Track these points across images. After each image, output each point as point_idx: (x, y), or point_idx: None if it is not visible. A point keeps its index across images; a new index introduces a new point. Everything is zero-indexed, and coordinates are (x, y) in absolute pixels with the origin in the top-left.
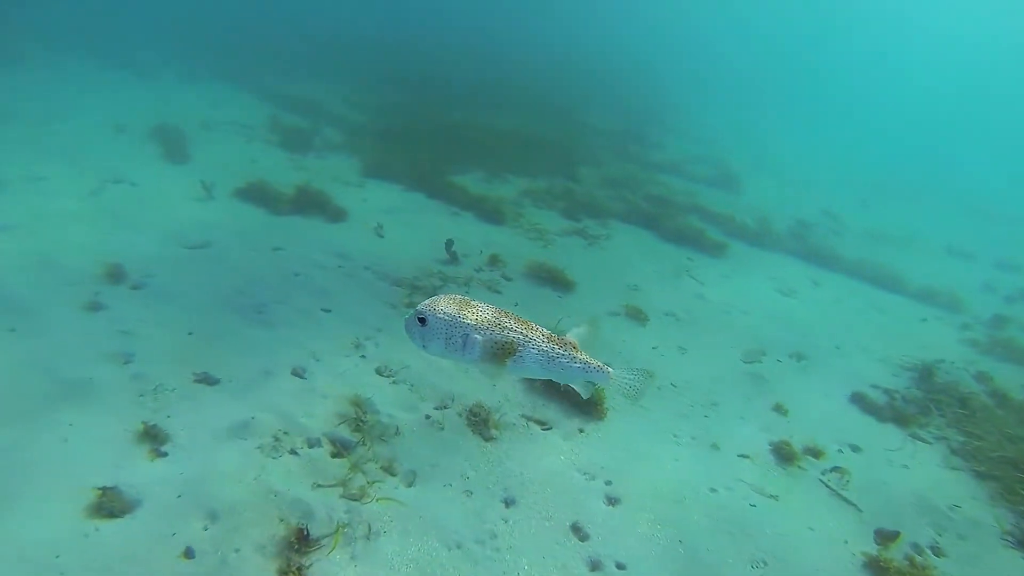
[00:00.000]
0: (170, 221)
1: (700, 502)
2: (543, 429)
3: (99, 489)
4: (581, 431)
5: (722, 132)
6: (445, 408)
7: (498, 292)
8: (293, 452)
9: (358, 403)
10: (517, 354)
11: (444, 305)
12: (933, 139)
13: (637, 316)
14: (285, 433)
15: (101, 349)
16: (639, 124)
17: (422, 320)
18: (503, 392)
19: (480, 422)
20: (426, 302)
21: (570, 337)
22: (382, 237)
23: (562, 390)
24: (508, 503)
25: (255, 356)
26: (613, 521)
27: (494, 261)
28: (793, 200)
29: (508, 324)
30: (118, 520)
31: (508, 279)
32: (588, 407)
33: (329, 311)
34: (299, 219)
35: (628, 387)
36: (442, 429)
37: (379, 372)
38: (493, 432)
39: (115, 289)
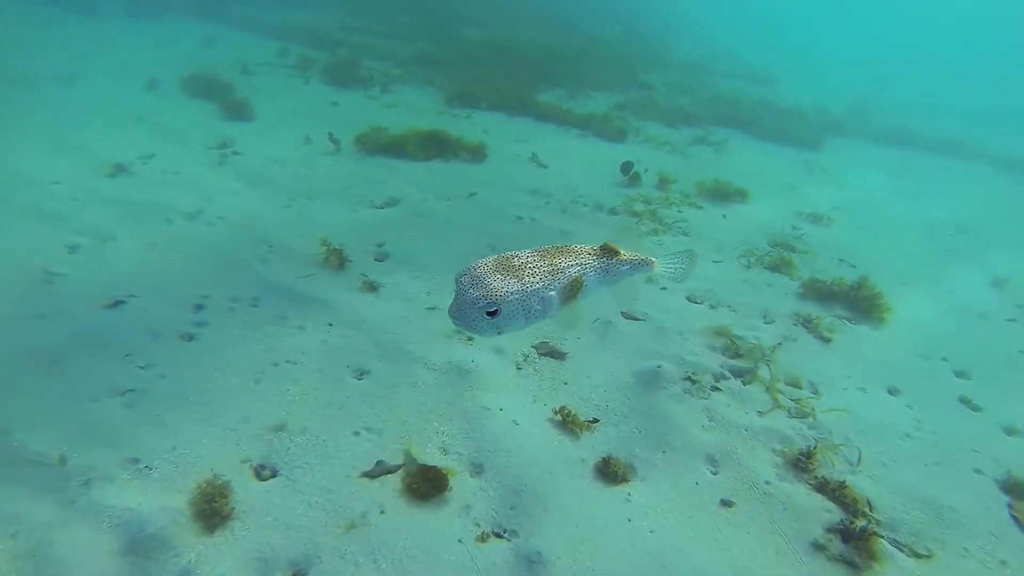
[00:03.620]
0: (327, 182)
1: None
2: (853, 324)
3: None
4: (882, 320)
5: (715, 30)
6: (773, 322)
7: (699, 208)
8: (716, 389)
9: (722, 332)
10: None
11: (502, 283)
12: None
13: (821, 218)
14: (694, 374)
15: (433, 331)
16: (636, 28)
17: (492, 313)
18: (786, 300)
19: (814, 327)
20: (477, 291)
21: (609, 244)
22: (546, 167)
23: None
24: (892, 392)
25: (583, 311)
26: (985, 392)
27: (664, 181)
28: (824, 88)
29: (563, 262)
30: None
31: (686, 195)
32: (867, 305)
33: None
34: (443, 163)
35: (674, 271)
36: (795, 340)
37: (690, 300)
38: (826, 334)
39: (371, 265)
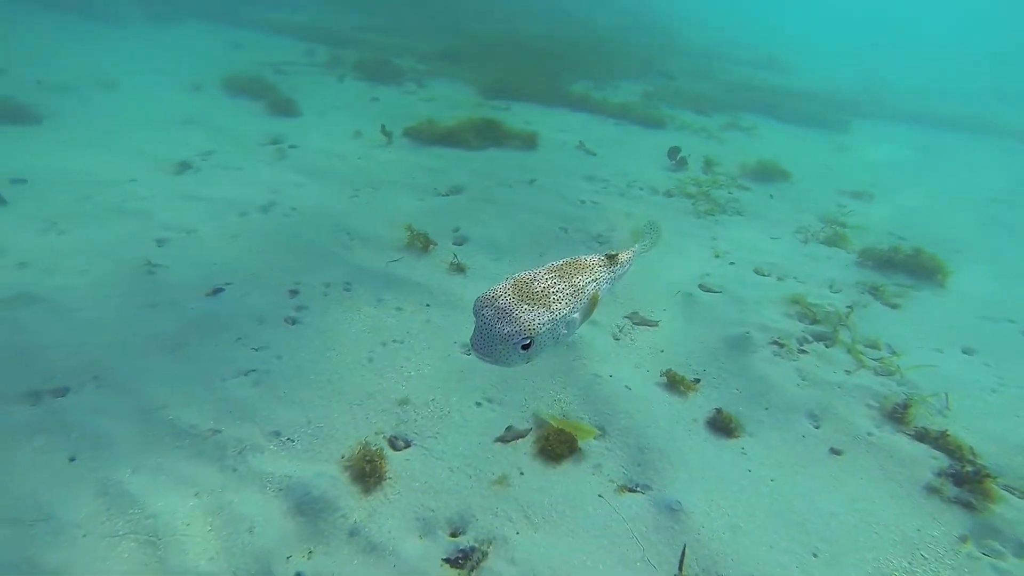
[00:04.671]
0: (388, 173)
1: None
2: (915, 290)
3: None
4: (943, 286)
5: (717, 18)
6: (840, 291)
7: (747, 189)
8: (802, 351)
9: (798, 300)
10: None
11: (532, 313)
12: None
13: (862, 195)
14: (780, 338)
15: None
16: (642, 18)
17: (527, 345)
18: (848, 271)
19: (880, 294)
20: (508, 326)
21: (611, 252)
22: (595, 154)
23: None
24: (967, 352)
25: (651, 285)
26: None
27: (709, 163)
28: (833, 71)
29: (580, 280)
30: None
31: (732, 177)
32: (926, 272)
33: None
34: (496, 151)
35: (647, 246)
36: (866, 307)
37: (758, 273)
38: (893, 300)
39: (452, 248)
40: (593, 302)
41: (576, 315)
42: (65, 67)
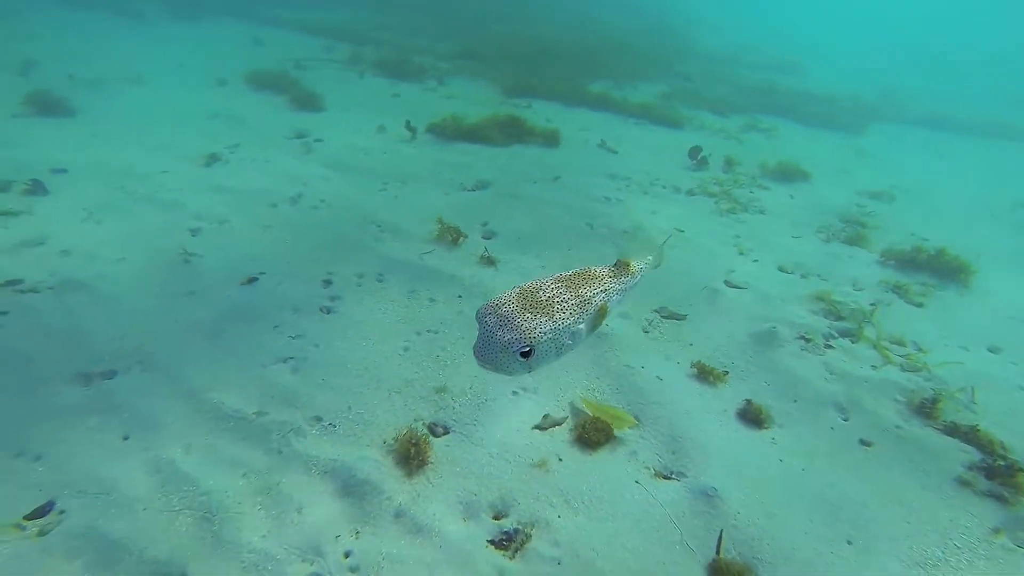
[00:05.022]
0: (414, 167)
1: None
2: (939, 290)
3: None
4: (967, 285)
5: (728, 22)
6: (863, 289)
7: (767, 188)
8: (828, 347)
9: (823, 297)
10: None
11: (533, 322)
12: None
13: (881, 196)
14: (806, 334)
15: None
16: (657, 21)
17: (526, 353)
18: (871, 270)
19: (904, 292)
20: (509, 333)
21: (622, 259)
22: (616, 153)
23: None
24: (993, 350)
25: (678, 281)
26: None
27: (729, 163)
28: (848, 75)
29: (588, 292)
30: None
31: (753, 177)
32: (950, 272)
33: (683, 231)
34: (520, 148)
35: (655, 262)
36: (889, 305)
37: (782, 270)
38: (917, 299)
39: (481, 242)
40: (601, 314)
41: (582, 326)
42: (95, 62)
